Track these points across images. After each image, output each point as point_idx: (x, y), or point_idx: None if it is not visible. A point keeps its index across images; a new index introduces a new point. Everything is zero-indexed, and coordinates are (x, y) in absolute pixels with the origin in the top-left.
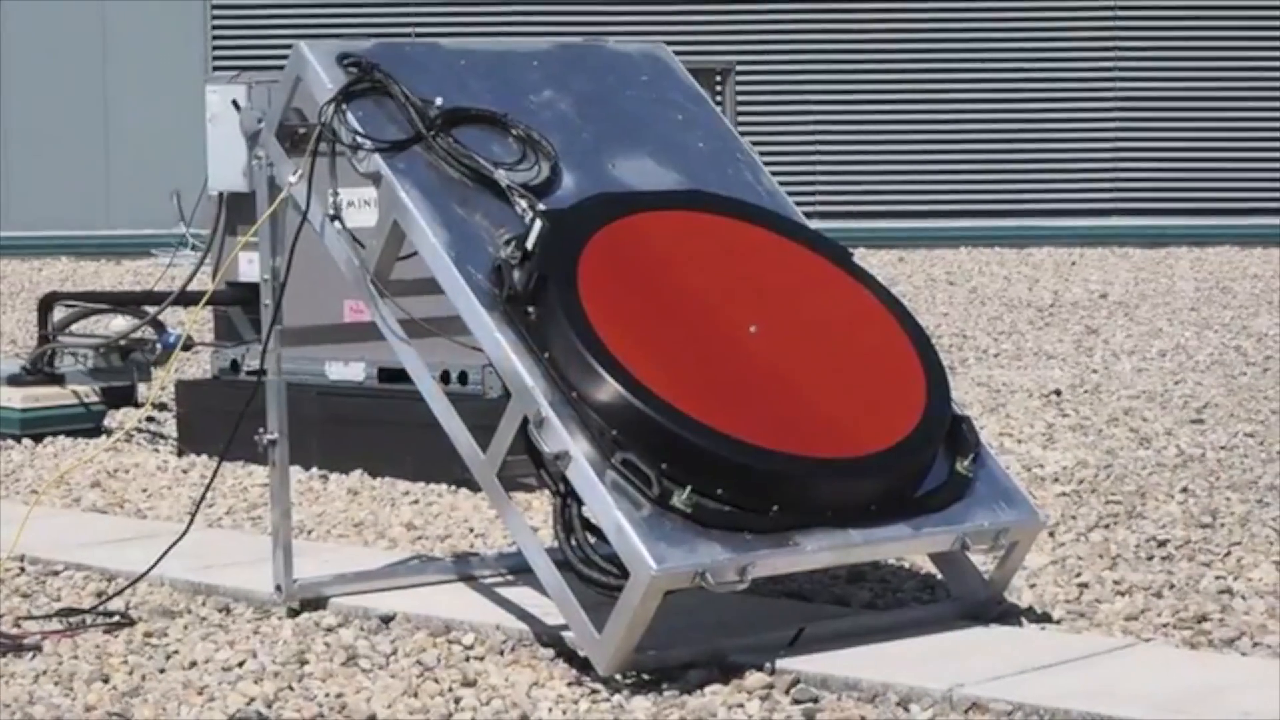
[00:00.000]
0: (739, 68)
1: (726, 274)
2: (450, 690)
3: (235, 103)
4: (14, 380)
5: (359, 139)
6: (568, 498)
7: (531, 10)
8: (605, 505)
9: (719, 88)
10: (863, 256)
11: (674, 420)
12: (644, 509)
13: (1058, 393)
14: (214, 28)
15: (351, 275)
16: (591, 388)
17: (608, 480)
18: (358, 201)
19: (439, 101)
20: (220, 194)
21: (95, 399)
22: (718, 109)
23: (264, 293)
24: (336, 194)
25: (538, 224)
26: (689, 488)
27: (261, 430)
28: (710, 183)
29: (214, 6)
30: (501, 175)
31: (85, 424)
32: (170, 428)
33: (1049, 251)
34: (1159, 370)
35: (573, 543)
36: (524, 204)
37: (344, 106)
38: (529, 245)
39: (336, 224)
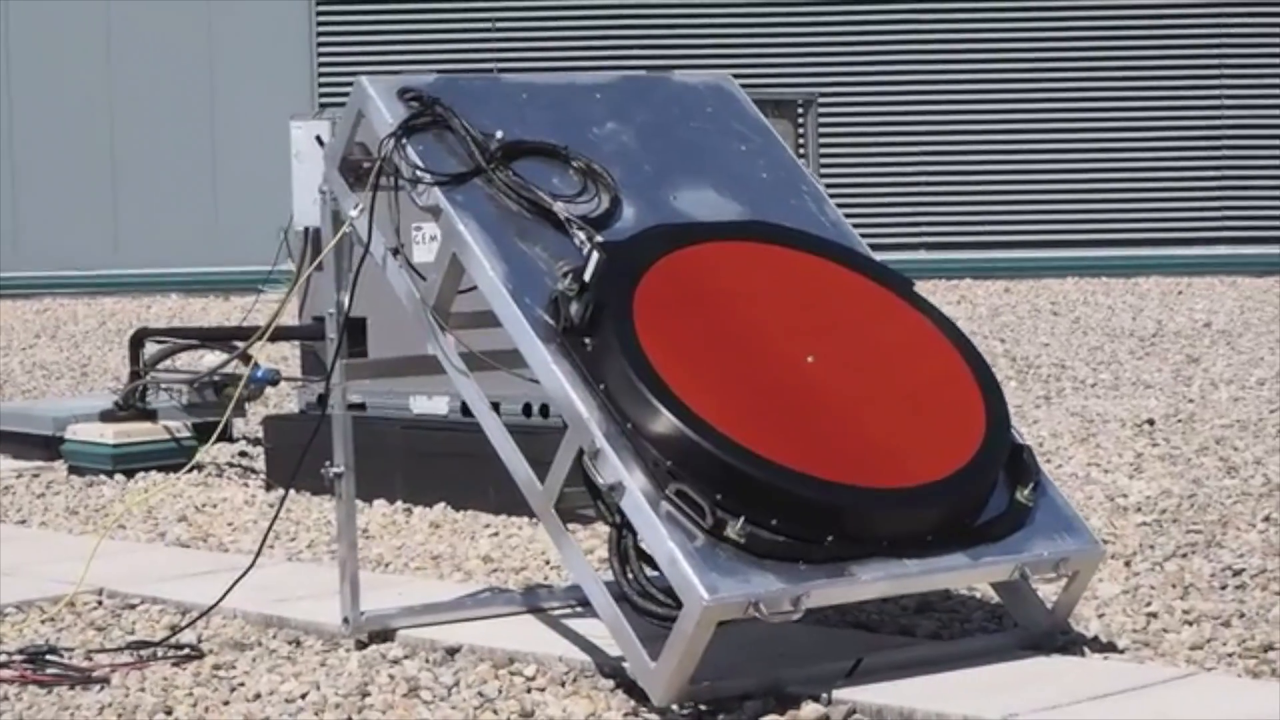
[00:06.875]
0: (820, 99)
1: (784, 304)
2: None
3: (319, 138)
4: (106, 415)
5: (418, 173)
6: (623, 529)
7: (616, 45)
8: (659, 536)
9: (801, 118)
10: (969, 287)
11: (728, 451)
12: (697, 540)
13: (1150, 422)
14: (320, 67)
15: (412, 308)
16: (646, 419)
17: (662, 511)
18: (423, 238)
19: (499, 135)
20: (306, 229)
21: (187, 434)
22: (783, 141)
23: (329, 327)
24: (399, 228)
25: (595, 256)
26: (743, 518)
27: (328, 463)
28: (772, 213)
29: (319, 47)
30: (560, 207)
31: (177, 459)
32: (261, 463)
33: (1156, 281)
34: (1256, 399)
35: (628, 574)
36: (582, 236)
37: (404, 141)
38: (586, 277)
39: (398, 257)
